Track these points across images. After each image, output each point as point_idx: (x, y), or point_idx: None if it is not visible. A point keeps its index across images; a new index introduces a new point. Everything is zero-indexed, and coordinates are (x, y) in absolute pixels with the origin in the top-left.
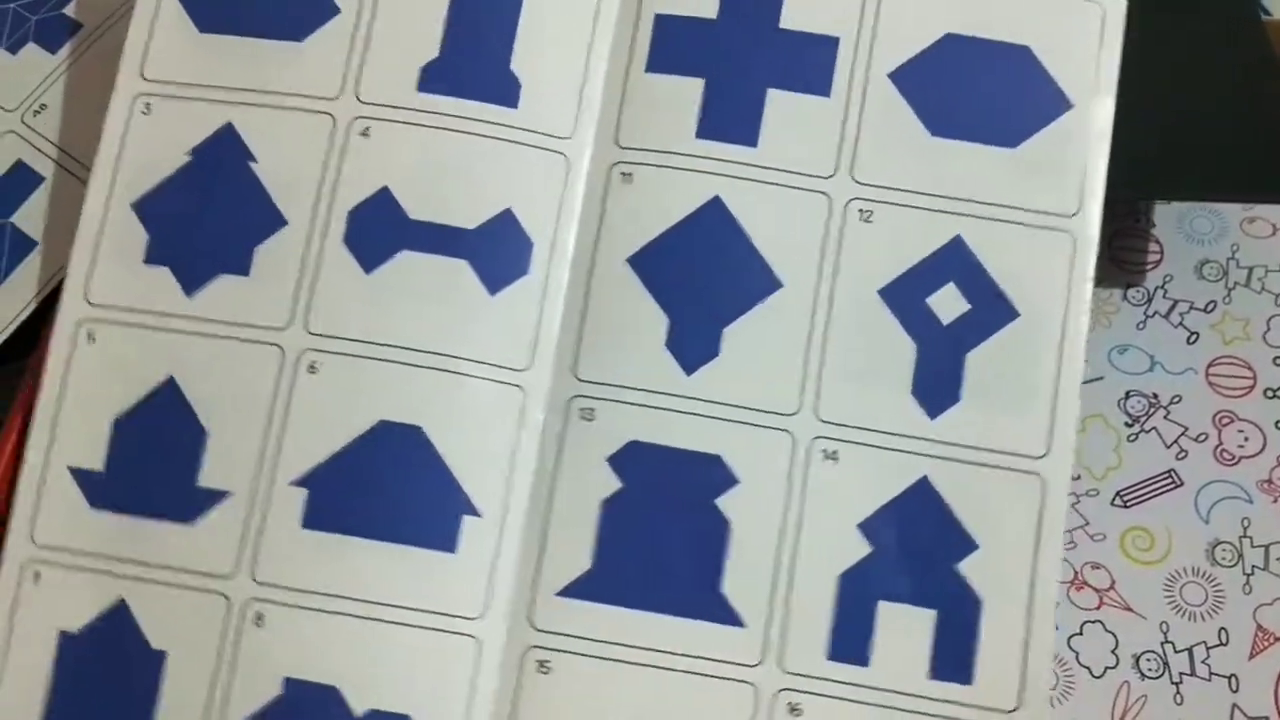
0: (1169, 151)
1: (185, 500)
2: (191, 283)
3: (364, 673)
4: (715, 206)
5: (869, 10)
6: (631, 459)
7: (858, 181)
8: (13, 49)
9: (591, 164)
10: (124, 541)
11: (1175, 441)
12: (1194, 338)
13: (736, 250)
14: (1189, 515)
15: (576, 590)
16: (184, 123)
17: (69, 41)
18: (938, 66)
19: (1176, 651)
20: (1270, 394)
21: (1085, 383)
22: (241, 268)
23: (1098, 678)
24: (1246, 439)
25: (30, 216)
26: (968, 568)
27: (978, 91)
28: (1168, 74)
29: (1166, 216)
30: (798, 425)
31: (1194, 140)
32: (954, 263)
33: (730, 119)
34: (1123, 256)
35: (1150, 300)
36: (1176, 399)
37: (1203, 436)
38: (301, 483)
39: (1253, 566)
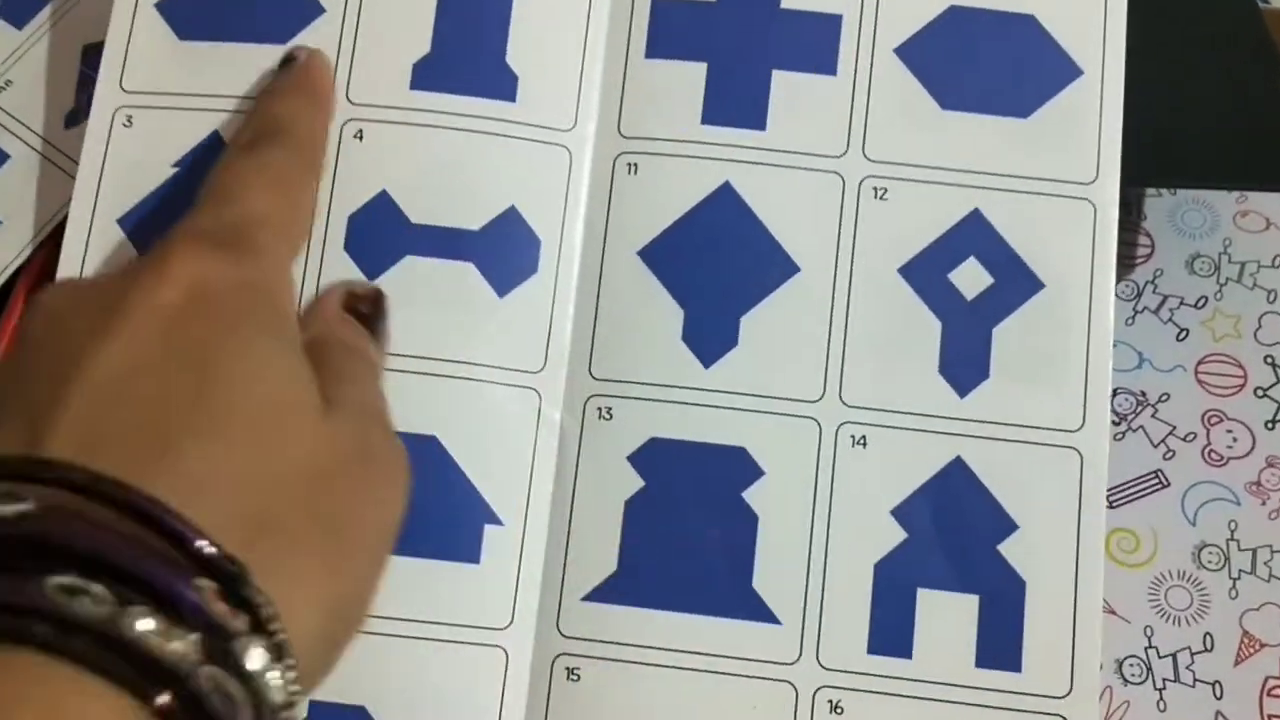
0: (1165, 139)
1: None
2: None
3: (392, 692)
4: (726, 193)
5: None
6: (653, 456)
7: (870, 159)
8: None
9: (595, 156)
10: None
11: (1163, 441)
12: (1184, 334)
13: (750, 236)
14: (1175, 517)
15: (603, 594)
16: (167, 134)
17: (35, 17)
18: (944, 39)
19: (1160, 657)
20: (1260, 393)
21: None
22: None
23: None
24: (1235, 439)
25: None
26: (1008, 549)
27: (986, 63)
28: (1165, 62)
29: (1157, 209)
30: (823, 412)
31: (1190, 128)
32: (974, 236)
33: (736, 103)
34: None
35: (1140, 295)
36: (1165, 397)
37: (1191, 436)
38: None
39: (1239, 570)
